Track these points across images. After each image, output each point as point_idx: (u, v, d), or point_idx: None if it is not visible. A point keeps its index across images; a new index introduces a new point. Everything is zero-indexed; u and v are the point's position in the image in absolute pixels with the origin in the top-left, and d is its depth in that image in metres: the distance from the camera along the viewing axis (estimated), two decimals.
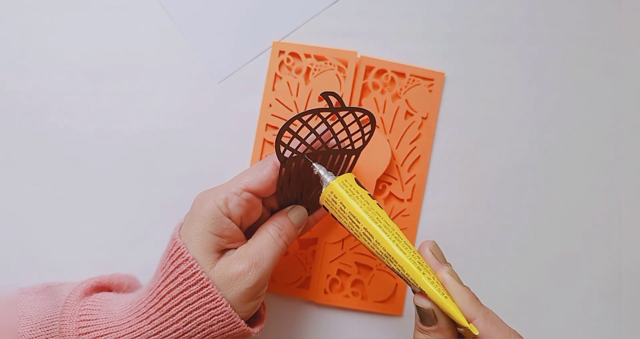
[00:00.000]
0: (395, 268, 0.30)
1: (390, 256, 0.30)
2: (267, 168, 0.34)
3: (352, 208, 0.31)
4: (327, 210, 0.33)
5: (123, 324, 0.32)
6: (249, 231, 0.36)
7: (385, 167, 0.41)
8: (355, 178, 0.33)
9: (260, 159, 0.42)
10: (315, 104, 0.42)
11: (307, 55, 0.42)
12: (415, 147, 0.42)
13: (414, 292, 0.30)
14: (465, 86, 0.43)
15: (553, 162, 0.43)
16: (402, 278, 0.30)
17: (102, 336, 0.31)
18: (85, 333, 0.32)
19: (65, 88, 0.43)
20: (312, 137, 0.33)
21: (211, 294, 0.31)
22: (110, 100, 0.43)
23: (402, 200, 0.42)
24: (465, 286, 0.29)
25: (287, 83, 0.42)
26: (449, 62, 0.43)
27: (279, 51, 0.42)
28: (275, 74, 0.42)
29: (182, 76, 0.43)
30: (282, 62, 0.42)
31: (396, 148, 0.42)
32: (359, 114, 0.34)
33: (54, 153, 0.42)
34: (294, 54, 0.42)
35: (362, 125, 0.35)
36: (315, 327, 0.42)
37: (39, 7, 0.43)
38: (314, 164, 0.34)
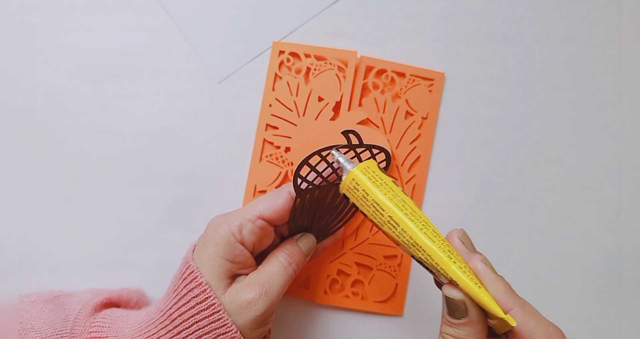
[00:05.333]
0: (423, 257, 0.28)
1: (417, 244, 0.28)
2: (282, 198, 0.34)
3: (376, 196, 0.30)
4: (347, 200, 0.32)
5: None
6: (258, 257, 0.36)
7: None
8: (378, 165, 0.32)
9: (260, 159, 0.42)
10: (314, 104, 0.42)
11: (307, 55, 0.42)
12: (415, 147, 0.42)
13: (441, 283, 0.28)
14: (465, 86, 0.43)
15: (553, 161, 0.43)
16: (428, 269, 0.29)
17: None
18: None
19: (65, 88, 0.43)
20: (331, 173, 0.34)
21: (222, 320, 0.31)
22: (110, 100, 0.43)
23: None
24: (499, 275, 0.28)
25: (287, 83, 0.42)
26: (449, 62, 0.43)
27: (279, 51, 0.42)
28: (275, 74, 0.42)
29: (182, 76, 0.43)
30: (282, 62, 0.42)
31: (396, 148, 0.42)
32: (375, 151, 0.34)
33: (54, 153, 0.42)
34: (294, 54, 0.42)
35: (378, 162, 0.35)
36: (315, 327, 0.42)
37: (39, 7, 0.43)
38: (332, 152, 0.32)
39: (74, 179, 0.42)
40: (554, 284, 0.43)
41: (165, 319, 0.32)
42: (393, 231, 0.29)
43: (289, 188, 0.34)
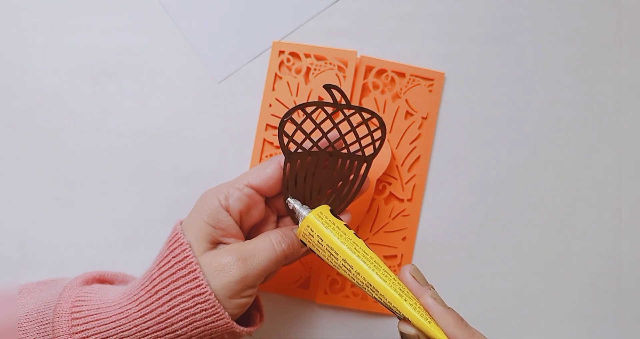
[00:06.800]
0: (377, 297, 0.30)
1: (371, 285, 0.30)
2: (271, 167, 0.34)
3: (329, 240, 0.31)
4: (305, 245, 0.33)
5: (114, 305, 0.32)
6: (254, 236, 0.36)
7: (385, 167, 0.41)
8: (331, 209, 0.34)
9: (260, 160, 0.42)
10: None
11: (307, 55, 0.42)
12: (415, 147, 0.42)
13: (399, 319, 0.30)
14: (465, 86, 0.43)
15: (553, 161, 0.43)
16: (385, 307, 0.30)
17: (92, 315, 0.32)
18: (77, 312, 0.32)
19: (65, 88, 0.43)
20: (321, 137, 0.33)
21: (197, 280, 0.31)
22: (110, 100, 0.43)
23: (402, 200, 0.42)
24: (449, 308, 0.29)
25: (287, 83, 0.42)
26: (449, 62, 0.43)
27: (279, 51, 0.42)
28: (275, 74, 0.42)
29: (182, 76, 0.43)
30: (282, 62, 0.42)
31: (396, 148, 0.42)
32: (367, 116, 0.33)
33: (54, 153, 0.42)
34: (294, 54, 0.42)
35: (372, 130, 0.34)
36: (315, 327, 0.42)
37: (39, 7, 0.43)
38: (288, 199, 0.34)
39: (74, 179, 0.42)
40: (553, 284, 0.43)
41: (146, 280, 0.33)
42: (348, 274, 0.31)
43: (278, 158, 0.35)
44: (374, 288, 0.30)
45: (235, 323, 0.32)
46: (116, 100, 0.43)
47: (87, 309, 0.32)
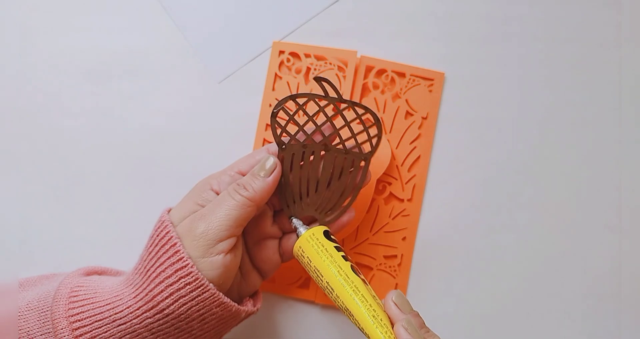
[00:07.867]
0: (354, 322, 0.30)
1: (348, 310, 0.30)
2: (261, 154, 0.35)
3: (316, 262, 0.32)
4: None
5: (111, 291, 0.33)
6: (251, 233, 0.36)
7: (385, 167, 0.41)
8: (326, 230, 0.34)
9: None
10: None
11: (307, 55, 0.42)
12: (415, 147, 0.42)
13: None
14: (465, 86, 0.43)
15: (553, 161, 0.43)
16: (362, 333, 0.30)
17: (88, 298, 0.32)
18: (75, 296, 0.32)
19: (65, 89, 0.43)
20: (315, 130, 0.33)
21: (177, 252, 0.31)
22: (110, 100, 0.43)
23: (402, 200, 0.42)
24: (422, 337, 0.29)
25: (287, 83, 0.42)
26: (449, 62, 0.43)
27: (279, 51, 0.42)
28: (275, 74, 0.42)
29: (182, 76, 0.43)
30: (282, 62, 0.42)
31: (396, 148, 0.42)
32: (360, 111, 0.33)
33: (54, 153, 0.42)
34: (294, 54, 0.42)
35: (367, 126, 0.34)
36: (315, 327, 0.42)
37: (39, 7, 0.43)
38: (291, 218, 0.35)
39: (74, 179, 0.42)
40: (554, 284, 0.42)
41: (139, 263, 0.33)
42: (330, 296, 0.32)
43: (268, 147, 0.36)
44: (350, 312, 0.30)
45: (221, 295, 0.32)
46: (116, 100, 0.43)
47: (84, 293, 0.32)
